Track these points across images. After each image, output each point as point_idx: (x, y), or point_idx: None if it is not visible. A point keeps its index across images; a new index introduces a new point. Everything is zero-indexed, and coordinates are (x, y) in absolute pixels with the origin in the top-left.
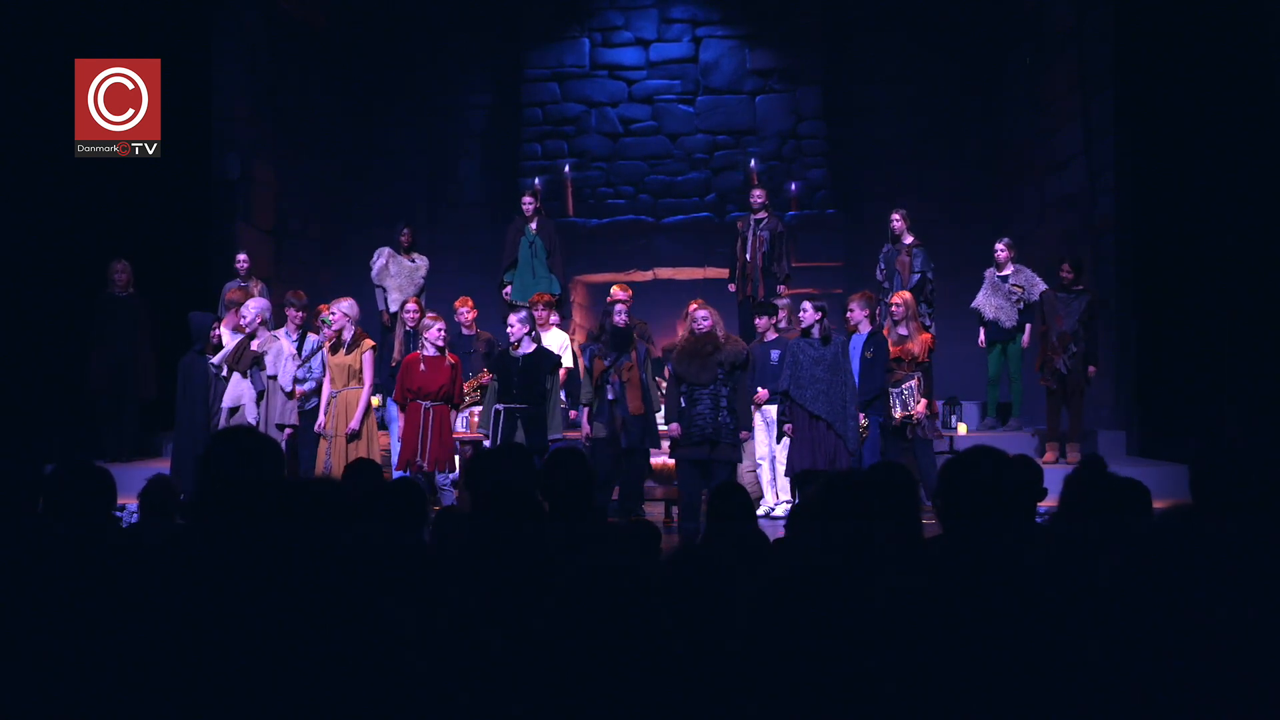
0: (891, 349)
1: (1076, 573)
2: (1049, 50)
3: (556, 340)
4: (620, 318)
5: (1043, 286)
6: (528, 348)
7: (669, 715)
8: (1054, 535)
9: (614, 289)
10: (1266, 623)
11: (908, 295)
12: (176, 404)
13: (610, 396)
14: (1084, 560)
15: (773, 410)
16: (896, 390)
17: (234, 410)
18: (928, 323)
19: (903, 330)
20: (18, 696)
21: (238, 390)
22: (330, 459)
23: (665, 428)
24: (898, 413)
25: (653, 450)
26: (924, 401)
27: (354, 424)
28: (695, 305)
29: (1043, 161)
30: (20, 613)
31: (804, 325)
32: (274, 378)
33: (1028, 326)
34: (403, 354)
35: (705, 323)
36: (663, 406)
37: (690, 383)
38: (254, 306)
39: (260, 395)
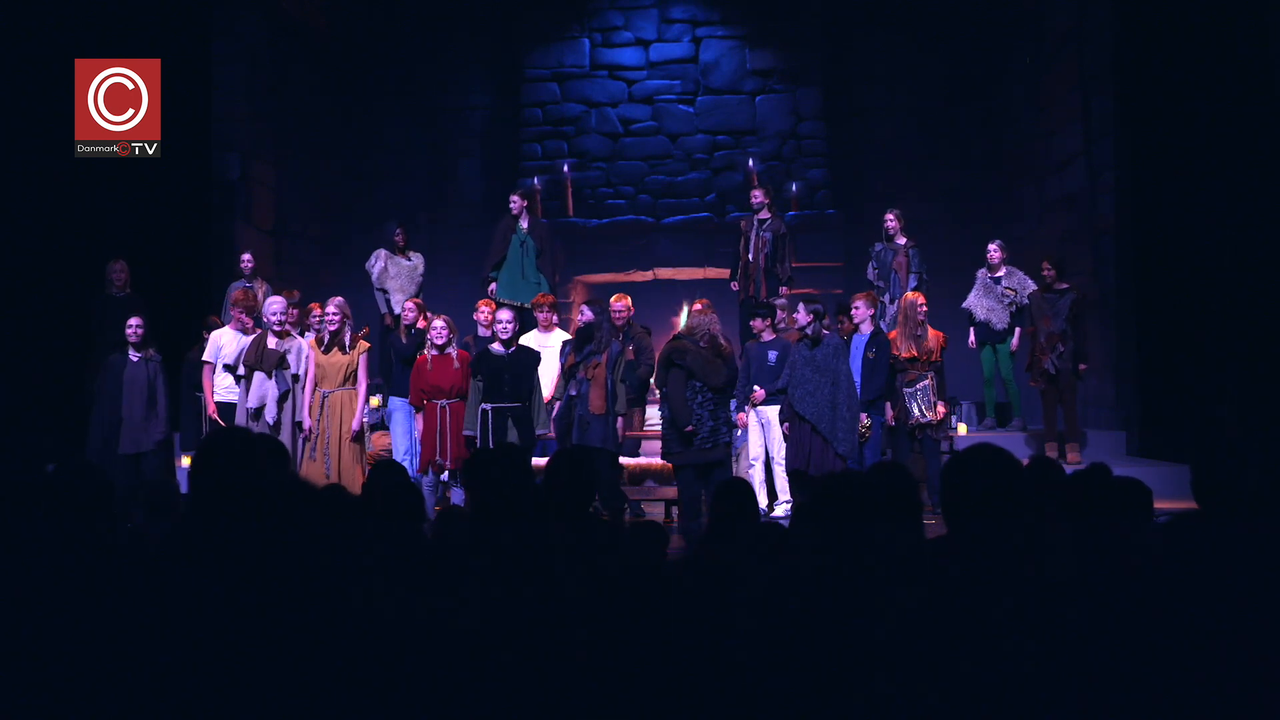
0: (908, 349)
1: (1079, 573)
2: (1049, 50)
3: (560, 341)
4: (583, 317)
5: (1034, 288)
6: (512, 346)
7: (673, 714)
8: (1055, 535)
9: (613, 299)
10: (1267, 623)
11: (922, 296)
12: (97, 402)
13: (573, 392)
14: (1087, 560)
15: (769, 410)
16: (910, 391)
17: (258, 411)
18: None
19: (919, 331)
20: (18, 696)
21: (261, 390)
22: (330, 461)
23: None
24: (914, 416)
25: (645, 451)
26: (943, 405)
27: (356, 424)
28: (700, 306)
29: (1043, 161)
30: (20, 612)
31: (799, 328)
32: (297, 377)
33: (1018, 330)
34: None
35: (716, 326)
36: (627, 407)
37: (710, 386)
38: (277, 305)
39: (285, 395)
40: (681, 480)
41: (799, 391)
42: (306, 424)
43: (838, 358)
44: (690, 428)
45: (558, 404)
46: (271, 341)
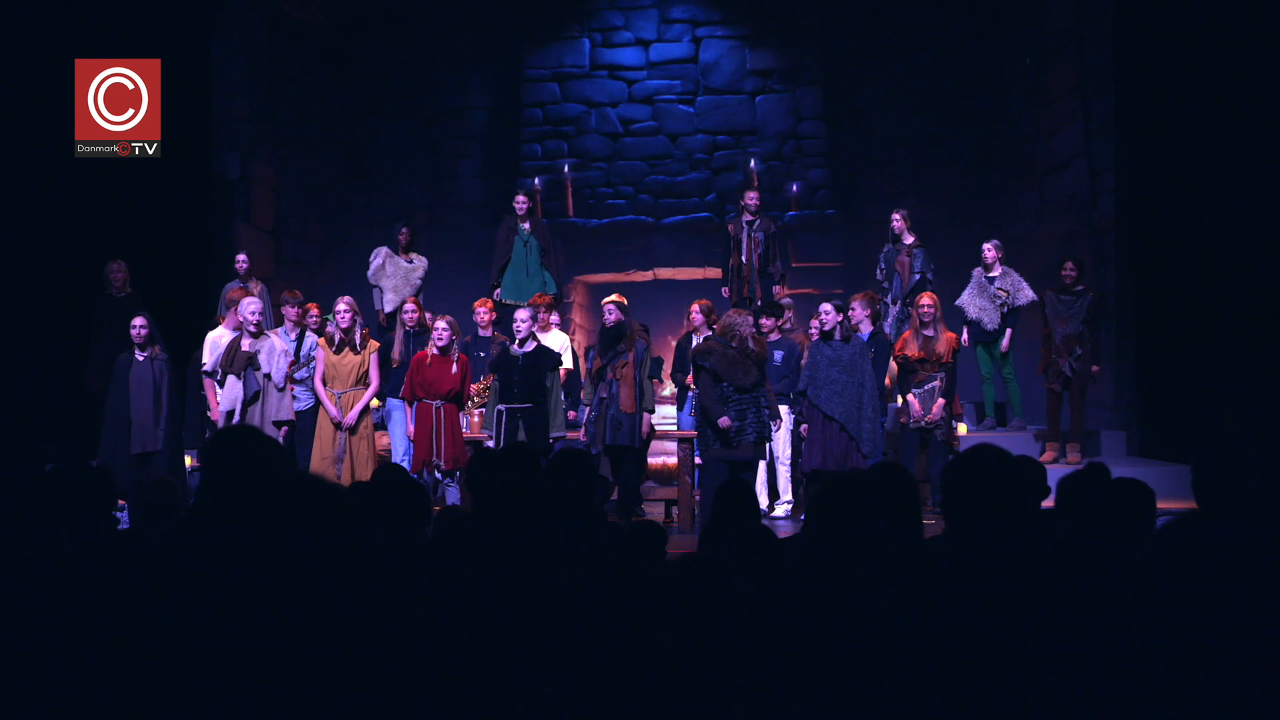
0: (918, 350)
1: (1080, 572)
2: (1049, 50)
3: (557, 341)
4: (610, 317)
5: (1029, 291)
6: (529, 346)
7: (673, 714)
8: (1054, 535)
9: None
10: (1267, 623)
11: (934, 297)
12: (109, 402)
13: (603, 395)
14: (1087, 560)
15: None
16: (919, 392)
17: (231, 413)
18: None
19: (929, 332)
20: (19, 695)
21: (233, 393)
22: (344, 462)
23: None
24: (917, 414)
25: (651, 450)
26: (940, 402)
27: (351, 417)
28: (698, 307)
29: (1043, 162)
30: (20, 612)
31: (826, 328)
32: (268, 376)
33: (1009, 331)
34: (402, 354)
35: (748, 328)
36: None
37: (736, 386)
38: (254, 306)
39: (256, 395)
40: (707, 474)
41: (825, 392)
42: (333, 413)
43: (864, 357)
44: (725, 421)
45: (586, 409)
46: (245, 343)
